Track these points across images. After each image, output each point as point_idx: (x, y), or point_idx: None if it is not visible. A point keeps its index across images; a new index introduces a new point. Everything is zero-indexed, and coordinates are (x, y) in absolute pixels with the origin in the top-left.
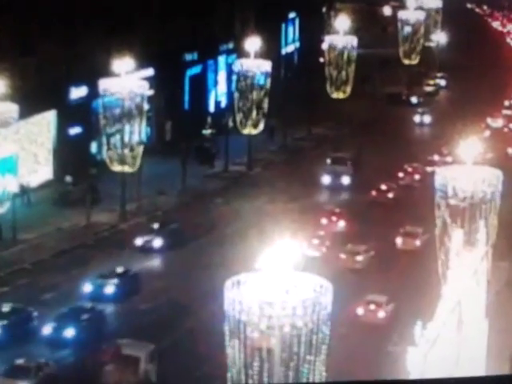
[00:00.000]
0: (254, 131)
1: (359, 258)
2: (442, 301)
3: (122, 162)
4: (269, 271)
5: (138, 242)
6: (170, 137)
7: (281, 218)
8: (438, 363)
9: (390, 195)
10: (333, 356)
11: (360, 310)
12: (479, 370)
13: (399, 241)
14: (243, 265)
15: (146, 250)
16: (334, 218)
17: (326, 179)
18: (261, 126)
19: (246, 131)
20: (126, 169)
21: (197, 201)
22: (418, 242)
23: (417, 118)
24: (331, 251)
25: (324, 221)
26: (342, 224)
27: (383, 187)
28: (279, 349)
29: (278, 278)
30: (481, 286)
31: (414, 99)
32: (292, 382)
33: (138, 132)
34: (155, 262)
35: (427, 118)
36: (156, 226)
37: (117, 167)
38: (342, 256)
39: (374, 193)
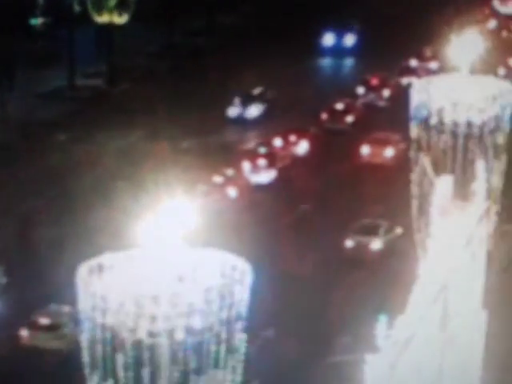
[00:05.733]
0: (119, 19)
1: None
2: (419, 284)
3: None
4: (149, 248)
5: None
6: None
7: (168, 164)
8: (411, 377)
9: (350, 119)
10: None
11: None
12: None
13: None
14: (108, 240)
15: None
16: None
17: None
18: (128, 12)
19: (104, 19)
20: None
21: (25, 137)
22: None
23: None
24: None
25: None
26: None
27: (339, 107)
28: (168, 364)
29: (164, 259)
30: (477, 261)
31: None
32: None
33: None
34: None
35: None
36: None
37: None
38: None
39: (324, 116)
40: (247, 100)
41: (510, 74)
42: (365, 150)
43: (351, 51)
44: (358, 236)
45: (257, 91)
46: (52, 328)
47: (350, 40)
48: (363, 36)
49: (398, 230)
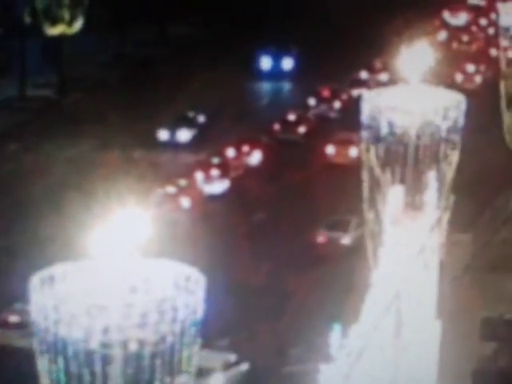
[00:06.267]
0: (70, 30)
1: None
2: (372, 293)
3: None
4: (101, 258)
5: None
6: None
7: (120, 175)
8: None
9: (302, 130)
10: None
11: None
12: None
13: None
14: (60, 250)
15: None
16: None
17: None
18: (80, 23)
19: (55, 31)
20: None
21: None
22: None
23: None
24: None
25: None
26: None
27: (291, 117)
28: (121, 376)
29: (117, 270)
30: (430, 270)
31: None
32: None
33: None
34: None
35: None
36: None
37: None
38: None
39: (277, 126)
40: (178, 124)
41: (468, 79)
42: (329, 149)
43: (290, 74)
44: (328, 231)
45: (190, 114)
46: (22, 326)
47: (287, 63)
48: (310, 51)
49: None
